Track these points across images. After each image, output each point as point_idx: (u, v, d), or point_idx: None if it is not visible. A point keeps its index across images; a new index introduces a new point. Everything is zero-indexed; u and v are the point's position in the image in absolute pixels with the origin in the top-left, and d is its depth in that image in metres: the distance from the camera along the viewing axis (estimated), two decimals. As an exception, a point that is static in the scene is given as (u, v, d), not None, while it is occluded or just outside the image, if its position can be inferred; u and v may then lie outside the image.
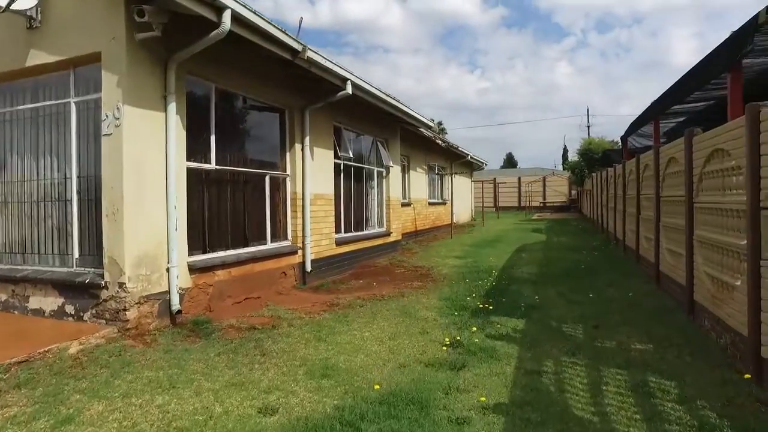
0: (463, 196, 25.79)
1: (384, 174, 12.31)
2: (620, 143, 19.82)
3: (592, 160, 21.37)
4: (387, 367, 4.31)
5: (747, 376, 3.91)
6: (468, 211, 27.52)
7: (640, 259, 9.40)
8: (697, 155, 5.52)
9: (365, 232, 11.16)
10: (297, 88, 8.04)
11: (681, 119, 11.42)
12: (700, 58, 6.81)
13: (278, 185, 8.02)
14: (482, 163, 27.41)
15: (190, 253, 5.91)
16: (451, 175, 20.00)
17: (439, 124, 66.36)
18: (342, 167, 10.00)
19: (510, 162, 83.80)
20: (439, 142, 17.26)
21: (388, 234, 12.18)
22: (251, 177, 7.35)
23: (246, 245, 7.14)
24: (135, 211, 5.11)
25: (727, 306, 4.57)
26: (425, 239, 16.63)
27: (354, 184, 10.72)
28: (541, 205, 37.62)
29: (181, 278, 5.58)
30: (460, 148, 20.71)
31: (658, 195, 7.68)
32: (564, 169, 56.09)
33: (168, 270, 5.41)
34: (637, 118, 9.96)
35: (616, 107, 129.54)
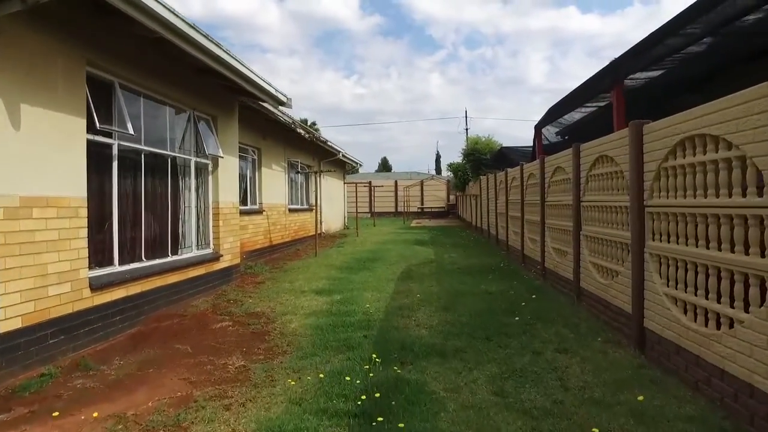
0: (334, 200, 22.24)
1: (210, 168, 8.20)
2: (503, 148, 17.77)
3: (478, 162, 19.08)
4: None
5: None
6: (340, 217, 24.03)
7: (583, 295, 6.46)
8: None
9: (170, 258, 6.96)
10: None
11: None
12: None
13: None
14: (357, 163, 24.10)
15: None
16: (319, 174, 16.30)
17: (313, 124, 62.51)
18: (116, 151, 5.76)
19: (385, 166, 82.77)
20: (301, 131, 13.43)
21: (216, 257, 8.08)
22: None
23: None
24: None
25: None
26: (282, 257, 12.69)
27: (147, 182, 6.51)
28: (419, 210, 35.52)
29: None
30: (329, 143, 17.08)
31: (641, 203, 4.65)
32: (438, 172, 55.48)
33: None
34: (576, 90, 7.03)
35: (483, 118, 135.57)
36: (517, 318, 6.07)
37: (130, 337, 5.53)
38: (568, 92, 7.49)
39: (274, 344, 5.19)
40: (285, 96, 8.87)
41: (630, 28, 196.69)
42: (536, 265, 9.21)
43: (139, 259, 6.26)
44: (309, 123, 57.85)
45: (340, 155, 19.16)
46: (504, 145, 17.73)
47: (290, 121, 12.20)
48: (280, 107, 11.13)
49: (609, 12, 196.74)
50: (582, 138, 6.90)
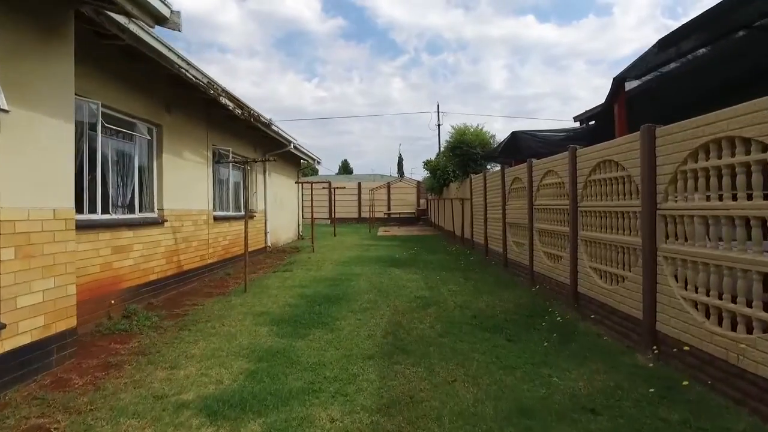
0: (285, 204, 17.78)
1: (-18, 135, 3.82)
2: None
3: (467, 157, 15.18)
4: None
5: None
6: (293, 225, 19.57)
7: None
8: None
9: None
10: None
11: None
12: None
13: None
14: (314, 159, 19.75)
15: None
16: (264, 169, 11.94)
17: (270, 120, 57.49)
18: None
19: (345, 169, 78.53)
20: (227, 102, 9.00)
21: (-6, 330, 3.71)
22: None
23: None
24: None
25: None
26: (197, 290, 8.28)
27: None
28: (386, 216, 31.40)
29: None
30: (274, 127, 12.68)
31: None
32: (401, 176, 51.58)
33: None
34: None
35: (444, 122, 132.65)
36: None
37: None
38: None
39: None
40: (165, 3, 4.56)
41: (584, 39, 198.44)
42: (619, 317, 5.24)
43: None
44: (267, 118, 52.92)
45: (292, 146, 14.83)
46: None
47: (205, 82, 7.82)
48: (181, 63, 6.80)
49: (565, 23, 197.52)
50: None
